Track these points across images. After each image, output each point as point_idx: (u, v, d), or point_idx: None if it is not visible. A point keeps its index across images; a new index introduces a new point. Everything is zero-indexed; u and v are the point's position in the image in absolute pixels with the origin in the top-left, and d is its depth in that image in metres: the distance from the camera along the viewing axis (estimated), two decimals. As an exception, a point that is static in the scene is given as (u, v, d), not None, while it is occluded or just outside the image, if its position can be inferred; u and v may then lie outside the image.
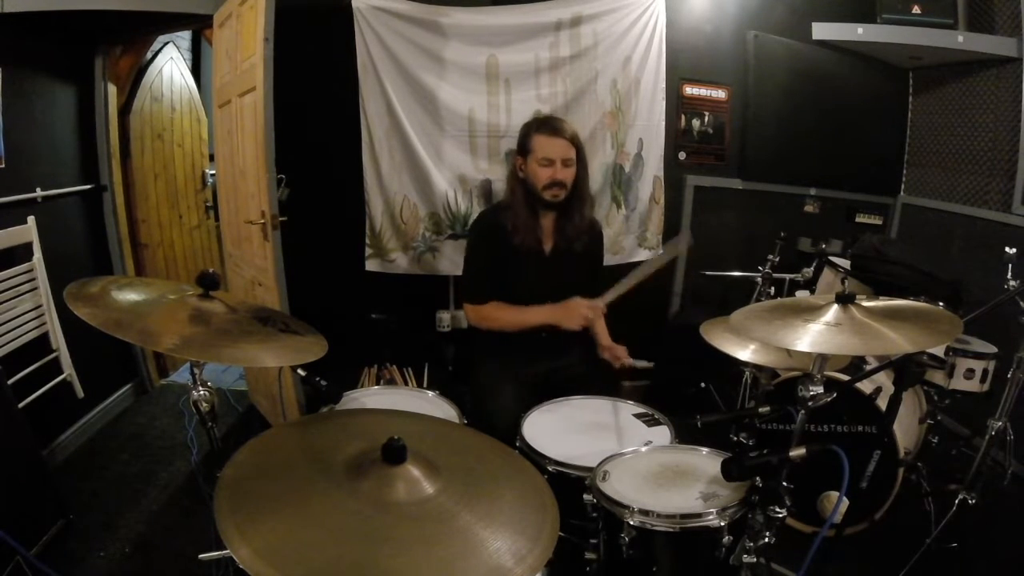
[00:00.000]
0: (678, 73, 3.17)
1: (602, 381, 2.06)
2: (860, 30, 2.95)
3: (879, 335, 1.27)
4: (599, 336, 2.15)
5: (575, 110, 2.98)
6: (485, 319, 2.11)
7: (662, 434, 1.69)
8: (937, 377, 2.19)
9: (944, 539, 1.98)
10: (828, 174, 3.36)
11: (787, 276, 2.90)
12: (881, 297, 1.55)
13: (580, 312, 1.95)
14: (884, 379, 2.15)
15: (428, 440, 1.09)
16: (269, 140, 2.30)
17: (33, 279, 2.47)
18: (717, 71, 3.24)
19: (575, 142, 2.05)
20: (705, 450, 1.54)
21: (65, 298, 1.18)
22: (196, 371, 1.24)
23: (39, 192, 2.56)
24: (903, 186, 3.45)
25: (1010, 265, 1.96)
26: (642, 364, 1.92)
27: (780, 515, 1.32)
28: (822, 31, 3.06)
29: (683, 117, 3.26)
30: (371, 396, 1.91)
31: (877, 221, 3.45)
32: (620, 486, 1.39)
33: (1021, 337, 1.94)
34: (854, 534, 2.07)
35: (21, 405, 2.21)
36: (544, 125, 2.06)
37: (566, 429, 1.74)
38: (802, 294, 2.69)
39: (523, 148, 2.07)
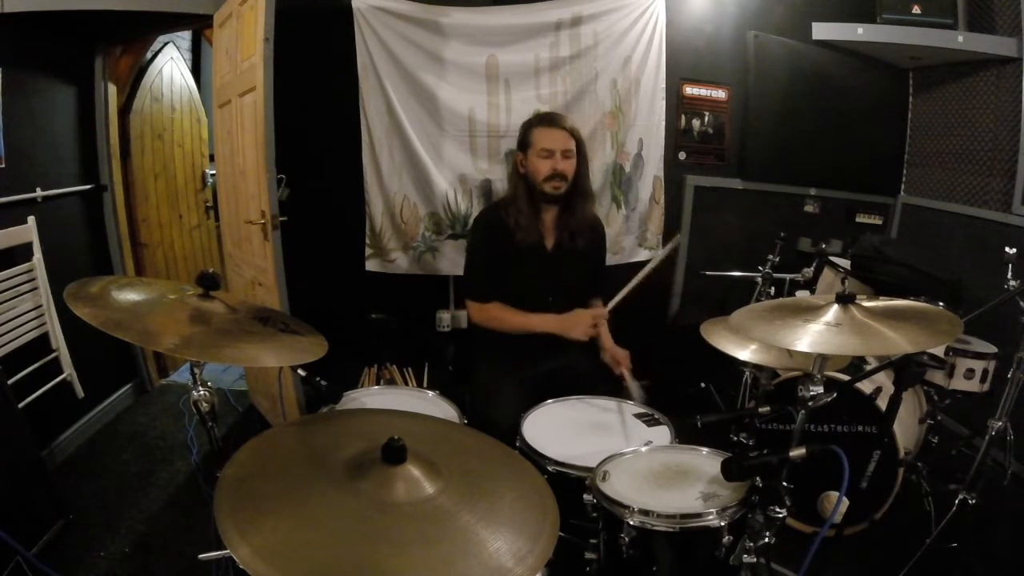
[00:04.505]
0: (678, 73, 3.17)
1: (602, 381, 2.06)
2: (860, 30, 2.95)
3: (879, 335, 1.27)
4: (602, 338, 2.15)
5: (575, 110, 2.99)
6: (489, 319, 2.11)
7: (662, 434, 1.69)
8: (937, 377, 2.19)
9: (944, 539, 1.98)
10: (828, 174, 3.36)
11: (787, 276, 2.89)
12: (881, 297, 1.56)
13: (585, 323, 1.96)
14: (884, 379, 2.15)
15: (428, 440, 1.09)
16: (269, 140, 2.30)
17: (33, 279, 2.47)
18: (717, 71, 3.24)
19: (574, 134, 2.07)
20: (705, 450, 1.53)
21: (65, 298, 1.18)
22: (196, 371, 1.24)
23: (39, 192, 2.56)
24: (903, 186, 3.45)
25: (1010, 265, 1.96)
26: (635, 394, 1.92)
27: (780, 515, 1.32)
28: (822, 31, 3.06)
29: (683, 117, 3.25)
30: (371, 396, 1.91)
31: (877, 221, 3.45)
32: (620, 486, 1.39)
33: (1021, 337, 1.94)
34: (854, 534, 2.07)
35: (21, 405, 2.21)
36: (543, 119, 2.12)
37: (566, 429, 1.73)
38: (802, 294, 2.69)
39: (523, 143, 2.09)
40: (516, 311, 2.08)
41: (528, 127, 2.11)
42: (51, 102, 2.73)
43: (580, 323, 1.97)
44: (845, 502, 1.25)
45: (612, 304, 2.02)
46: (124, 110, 3.27)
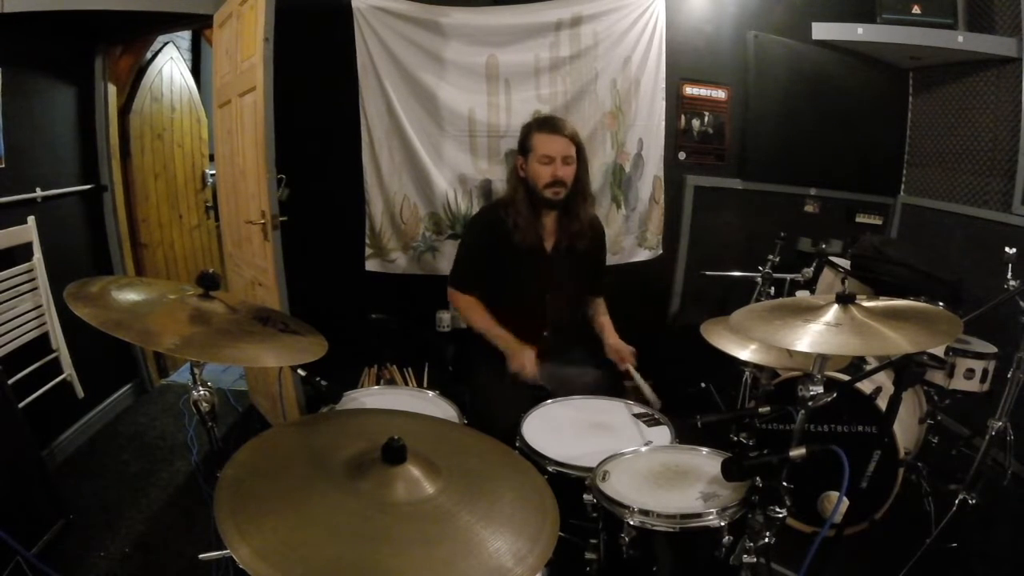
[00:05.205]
0: (678, 73, 3.17)
1: (603, 381, 2.06)
2: (860, 30, 2.95)
3: (879, 335, 1.27)
4: (606, 335, 2.15)
5: (575, 110, 2.99)
6: (461, 308, 2.18)
7: (662, 434, 1.69)
8: (937, 377, 2.19)
9: (944, 539, 1.98)
10: (828, 174, 3.36)
11: (787, 276, 2.89)
12: (881, 297, 1.56)
13: (523, 361, 1.96)
14: (884, 379, 2.15)
15: (428, 440, 1.09)
16: (269, 140, 2.30)
17: (33, 279, 2.47)
18: (717, 71, 3.24)
19: (575, 140, 2.06)
20: (705, 450, 1.54)
21: (65, 298, 1.18)
22: (196, 371, 1.24)
23: (39, 192, 2.56)
24: (903, 186, 3.45)
25: (1010, 265, 1.96)
26: (648, 393, 1.91)
27: (780, 515, 1.32)
28: (822, 31, 3.06)
29: (683, 117, 3.25)
30: (371, 396, 1.91)
31: (877, 221, 3.45)
32: (620, 486, 1.39)
33: (1021, 337, 1.94)
34: (854, 534, 2.07)
35: (21, 405, 2.21)
36: (544, 124, 2.09)
37: (566, 429, 1.73)
38: (802, 294, 2.68)
39: (524, 147, 2.09)
40: (484, 314, 2.12)
41: (529, 132, 2.09)
42: (51, 102, 2.73)
43: (521, 358, 1.96)
44: (845, 502, 1.25)
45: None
46: (124, 110, 3.27)
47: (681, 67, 3.16)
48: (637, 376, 1.97)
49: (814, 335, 1.29)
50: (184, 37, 4.08)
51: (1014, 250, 1.96)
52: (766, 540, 1.30)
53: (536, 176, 2.04)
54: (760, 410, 1.53)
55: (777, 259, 2.83)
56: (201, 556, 1.21)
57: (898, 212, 3.44)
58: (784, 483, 1.33)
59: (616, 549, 1.33)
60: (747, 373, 2.65)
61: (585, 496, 1.42)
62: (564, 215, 2.12)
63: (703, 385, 3.02)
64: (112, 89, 3.07)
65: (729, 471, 1.29)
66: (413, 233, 3.02)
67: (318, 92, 2.91)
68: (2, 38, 2.29)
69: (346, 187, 2.94)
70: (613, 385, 2.05)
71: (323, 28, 2.81)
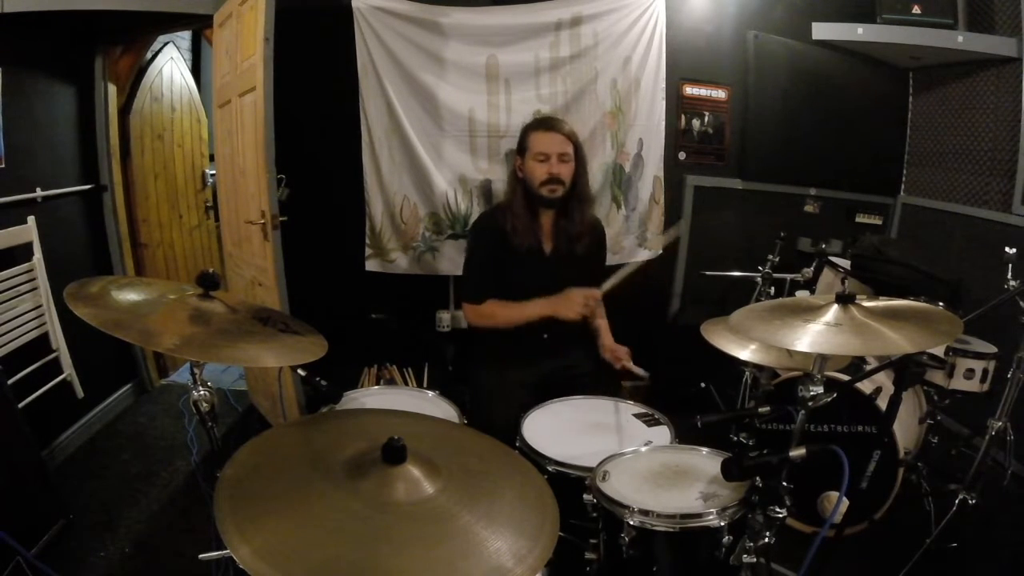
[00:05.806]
0: (678, 73, 3.17)
1: (602, 381, 2.06)
2: (860, 30, 2.95)
3: (879, 335, 1.27)
4: (602, 336, 2.15)
5: (575, 110, 2.99)
6: (483, 317, 2.11)
7: (662, 434, 1.69)
8: (937, 377, 2.19)
9: (944, 539, 1.98)
10: (828, 174, 3.36)
11: (787, 276, 2.90)
12: (881, 297, 1.56)
13: (577, 301, 1.94)
14: (884, 379, 2.15)
15: (428, 440, 1.09)
16: (269, 140, 2.30)
17: (33, 279, 2.47)
18: (717, 71, 3.24)
19: (572, 138, 2.06)
20: (705, 450, 1.54)
21: (65, 298, 1.18)
22: (196, 371, 1.24)
23: (39, 192, 2.56)
24: (903, 186, 3.45)
25: (1010, 265, 1.96)
26: (640, 372, 1.91)
27: (780, 515, 1.32)
28: (822, 31, 3.06)
29: (683, 117, 3.26)
30: (371, 396, 1.91)
31: (877, 221, 3.45)
32: (620, 486, 1.39)
33: (1021, 337, 1.94)
34: (854, 534, 2.07)
35: (21, 405, 2.21)
36: (540, 123, 2.11)
37: (566, 429, 1.74)
38: (802, 294, 2.68)
39: (521, 147, 2.10)
40: (508, 304, 2.06)
41: (525, 131, 2.10)
42: (51, 102, 2.73)
43: (572, 302, 1.94)
44: (845, 502, 1.25)
45: (606, 287, 1.99)
46: (124, 110, 3.27)
47: (681, 67, 3.17)
48: (634, 368, 1.96)
49: (814, 335, 1.29)
50: (184, 37, 4.08)
51: (1014, 250, 1.96)
52: (766, 540, 1.30)
53: (532, 174, 2.04)
54: (760, 410, 1.52)
55: (777, 259, 2.83)
56: (201, 556, 1.21)
57: (898, 212, 3.44)
58: (784, 483, 1.33)
59: (616, 549, 1.33)
60: (747, 373, 2.65)
61: (585, 496, 1.42)
62: (562, 216, 2.11)
63: (703, 385, 3.02)
64: (112, 89, 3.07)
65: (729, 471, 1.29)
66: (413, 233, 3.02)
67: (318, 92, 2.92)
68: (2, 38, 2.29)
69: (346, 187, 2.94)
70: (614, 385, 2.05)
71: (323, 28, 2.81)
